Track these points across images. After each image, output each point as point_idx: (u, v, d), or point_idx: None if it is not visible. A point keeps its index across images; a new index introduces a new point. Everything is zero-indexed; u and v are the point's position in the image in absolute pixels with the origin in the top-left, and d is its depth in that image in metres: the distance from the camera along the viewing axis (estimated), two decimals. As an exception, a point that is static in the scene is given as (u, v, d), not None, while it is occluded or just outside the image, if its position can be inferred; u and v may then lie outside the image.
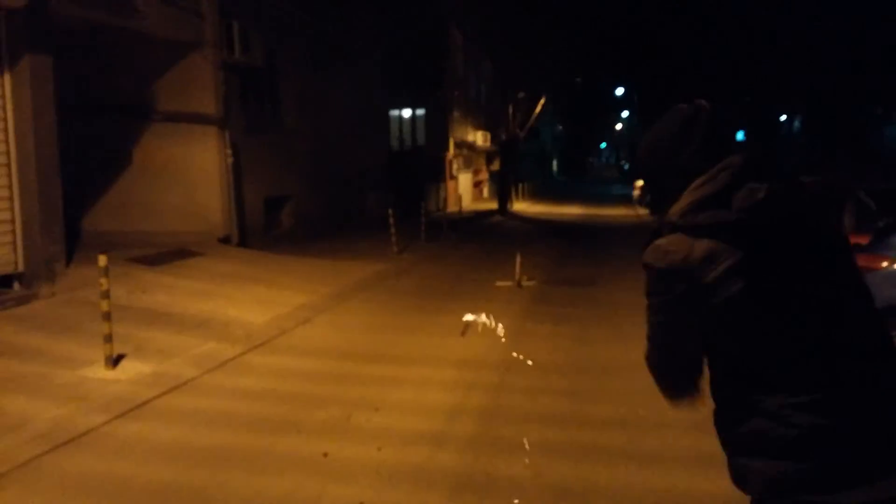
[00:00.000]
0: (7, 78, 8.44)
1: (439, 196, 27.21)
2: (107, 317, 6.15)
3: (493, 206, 28.47)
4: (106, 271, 6.26)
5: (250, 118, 13.78)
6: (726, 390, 1.68)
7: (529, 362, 6.28)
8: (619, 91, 63.35)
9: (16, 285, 8.49)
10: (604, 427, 5.09)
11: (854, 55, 34.94)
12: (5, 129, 8.47)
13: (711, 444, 4.30)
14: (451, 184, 28.68)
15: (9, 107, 8.49)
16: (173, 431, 4.98)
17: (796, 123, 48.39)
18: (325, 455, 4.54)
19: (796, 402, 1.53)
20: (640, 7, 35.39)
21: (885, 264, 5.64)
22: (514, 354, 6.54)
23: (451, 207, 27.05)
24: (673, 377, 1.79)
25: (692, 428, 4.95)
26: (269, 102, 14.81)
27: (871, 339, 1.60)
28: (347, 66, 17.82)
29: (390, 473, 4.29)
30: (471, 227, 21.28)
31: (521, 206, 30.73)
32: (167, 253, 10.80)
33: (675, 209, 1.68)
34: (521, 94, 27.94)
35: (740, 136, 52.98)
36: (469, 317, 7.58)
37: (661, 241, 1.70)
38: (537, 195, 38.45)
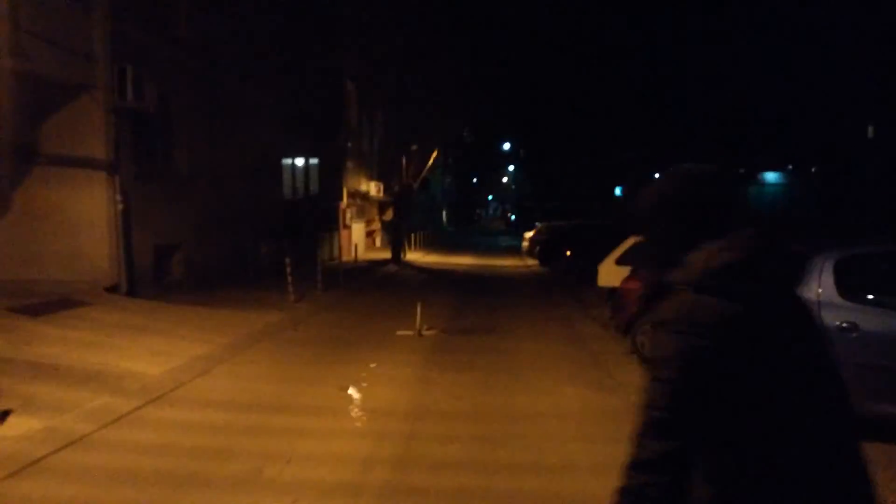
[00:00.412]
0: None
1: (333, 245, 27.04)
2: (-6, 370, 5.78)
3: (387, 255, 28.57)
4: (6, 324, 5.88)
5: (141, 164, 13.39)
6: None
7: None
8: (506, 146, 65.58)
9: None
10: (515, 472, 5.22)
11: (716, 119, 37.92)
12: None
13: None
14: (344, 233, 28.61)
15: None
16: (72, 489, 4.72)
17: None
18: (240, 509, 4.43)
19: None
20: (533, 65, 37.06)
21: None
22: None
23: (345, 257, 26.91)
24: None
25: (600, 470, 5.18)
26: (162, 149, 14.46)
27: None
28: (242, 115, 17.67)
29: (308, 525, 4.25)
30: (366, 276, 21.30)
31: (414, 256, 30.99)
32: (52, 302, 10.25)
33: (695, 269, 1.67)
34: (414, 147, 28.46)
35: (617, 191, 55.73)
36: (372, 365, 7.64)
37: (687, 298, 1.64)
38: (429, 245, 38.89)
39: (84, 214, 11.85)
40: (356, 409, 6.80)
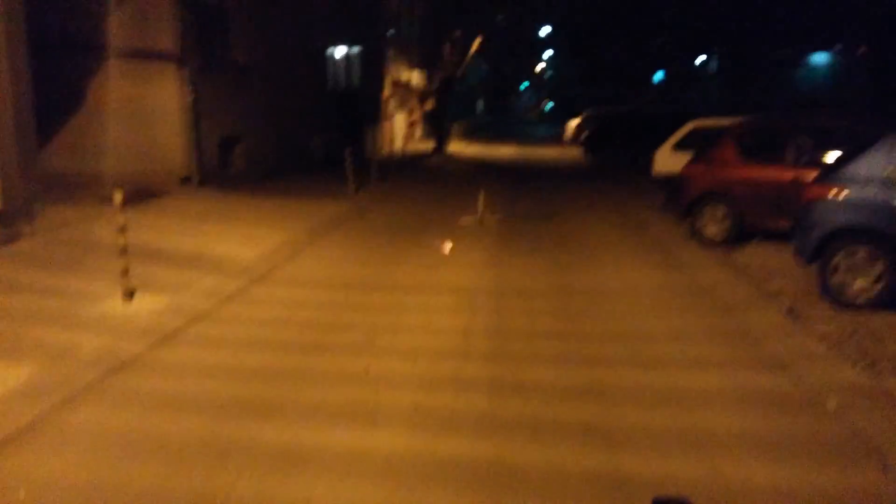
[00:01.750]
0: (-23, 15, 8.30)
1: (377, 136, 27.31)
2: (123, 252, 6.40)
3: (428, 146, 28.79)
4: (121, 209, 6.46)
5: (205, 57, 13.65)
6: None
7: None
8: (545, 31, 63.74)
9: (-5, 225, 8.51)
10: (601, 340, 5.76)
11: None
12: (-21, 67, 8.36)
13: (699, 351, 5.08)
14: (387, 124, 28.77)
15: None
16: (216, 355, 5.38)
17: (713, 65, 50.03)
18: (367, 369, 5.05)
19: None
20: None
21: (833, 193, 6.45)
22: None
23: (389, 148, 27.27)
24: None
25: (676, 337, 5.72)
26: (220, 41, 14.65)
27: None
28: (290, 5, 17.66)
29: (431, 381, 4.86)
30: (413, 167, 21.68)
31: (456, 147, 31.13)
32: (135, 193, 10.81)
33: None
34: (458, 33, 28.07)
35: (659, 75, 54.50)
36: (448, 245, 8.22)
37: None
38: (469, 135, 38.87)
39: (156, 107, 12.28)
40: (443, 288, 7.36)
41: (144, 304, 6.42)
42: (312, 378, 4.94)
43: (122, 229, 6.44)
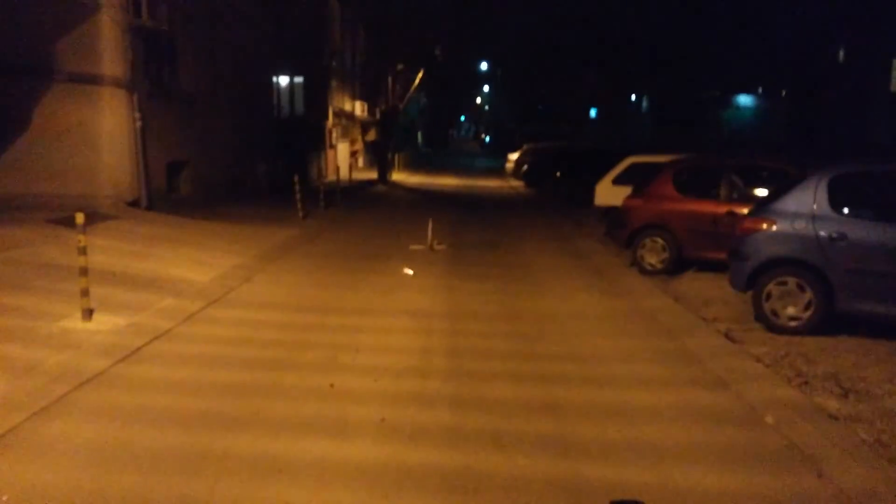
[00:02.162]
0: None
1: (321, 164, 27.46)
2: (84, 272, 6.42)
3: (372, 175, 29.04)
4: (83, 230, 6.50)
5: (153, 83, 13.66)
6: None
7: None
8: (483, 66, 65.13)
9: (-60, 246, 8.36)
10: (553, 360, 6.06)
11: (691, 41, 38.34)
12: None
13: (645, 370, 5.44)
14: (330, 153, 28.94)
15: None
16: (180, 372, 5.47)
17: (644, 103, 51.93)
18: (332, 386, 5.23)
19: None
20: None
21: (764, 226, 6.95)
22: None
23: (331, 176, 27.37)
24: None
25: (625, 359, 6.07)
26: (168, 67, 14.67)
27: None
28: (235, 35, 17.80)
29: (393, 398, 5.06)
30: (358, 195, 21.87)
31: (399, 177, 31.48)
32: (85, 215, 10.73)
33: None
34: (401, 66, 28.57)
35: (593, 112, 56.24)
36: (408, 271, 8.64)
37: None
38: (410, 166, 39.32)
39: (104, 131, 12.21)
40: (399, 311, 7.57)
41: (104, 323, 6.44)
42: (279, 393, 5.08)
43: (83, 250, 6.48)
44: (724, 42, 37.19)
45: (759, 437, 4.49)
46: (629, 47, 43.38)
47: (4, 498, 3.58)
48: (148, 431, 4.37)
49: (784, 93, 39.60)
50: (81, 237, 6.47)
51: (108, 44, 11.95)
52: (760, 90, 42.83)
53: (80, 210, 11.07)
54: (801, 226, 6.75)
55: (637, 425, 4.65)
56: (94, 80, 11.99)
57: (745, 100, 44.04)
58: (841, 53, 32.78)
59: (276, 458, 4.06)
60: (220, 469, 3.92)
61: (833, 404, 4.93)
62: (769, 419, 4.72)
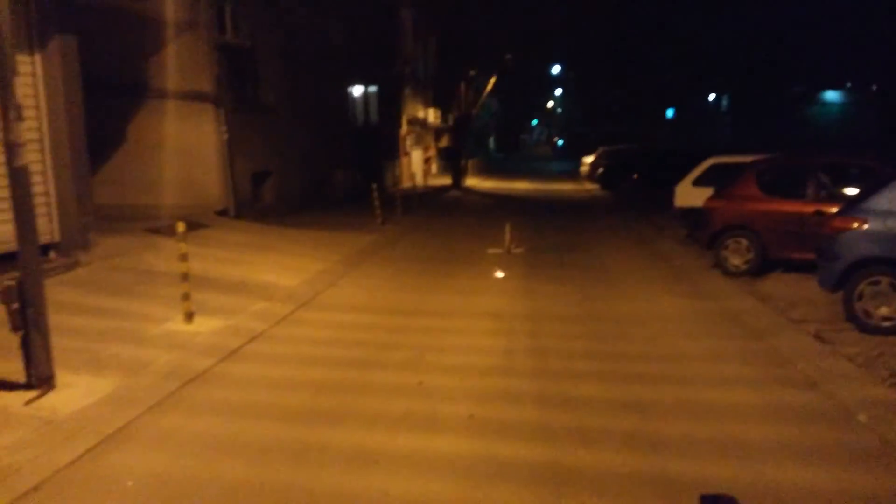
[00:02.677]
0: (38, 57, 8.84)
1: (395, 171, 27.93)
2: (185, 277, 6.82)
3: (445, 181, 29.36)
4: (184, 237, 6.88)
5: (237, 97, 14.25)
6: None
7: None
8: (555, 69, 64.84)
9: (52, 254, 8.95)
10: (637, 360, 6.10)
11: (774, 39, 37.24)
12: (37, 107, 8.85)
13: (732, 370, 5.40)
14: (404, 160, 29.40)
15: (40, 85, 8.88)
16: (278, 370, 5.76)
17: (724, 101, 50.74)
18: (420, 383, 5.42)
19: None
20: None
21: (855, 225, 6.81)
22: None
23: (406, 183, 27.84)
24: None
25: (708, 358, 6.06)
26: (252, 82, 15.27)
27: None
28: (312, 47, 18.37)
29: (480, 395, 5.21)
30: (434, 201, 22.15)
31: (472, 182, 31.68)
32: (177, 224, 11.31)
33: None
34: (473, 72, 28.80)
35: (669, 113, 55.23)
36: (499, 273, 8.83)
37: None
38: (483, 171, 39.49)
39: (194, 144, 12.84)
40: (480, 313, 7.72)
41: (204, 325, 6.82)
42: (370, 390, 5.30)
43: (184, 257, 6.88)
44: (810, 36, 36.04)
45: (852, 435, 4.44)
46: (706, 44, 42.48)
47: (129, 484, 3.89)
48: (253, 425, 4.65)
49: (875, 87, 38.10)
50: (183, 245, 6.86)
51: (197, 61, 12.56)
52: (849, 85, 41.35)
53: (173, 219, 11.73)
54: (893, 224, 6.59)
55: (725, 423, 4.66)
56: (184, 95, 12.62)
57: (832, 95, 42.56)
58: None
59: (372, 451, 4.26)
60: (321, 460, 4.15)
61: (930, 404, 4.83)
62: (862, 418, 4.67)
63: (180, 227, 6.94)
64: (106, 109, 12.68)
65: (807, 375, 5.56)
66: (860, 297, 6.73)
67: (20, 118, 4.62)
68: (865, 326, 6.68)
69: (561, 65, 62.55)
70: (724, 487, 3.81)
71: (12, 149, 4.58)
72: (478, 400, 5.10)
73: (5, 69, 4.52)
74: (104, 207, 12.31)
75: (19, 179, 4.62)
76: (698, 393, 5.24)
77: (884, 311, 6.60)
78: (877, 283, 6.65)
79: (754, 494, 3.74)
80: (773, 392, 5.24)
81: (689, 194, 12.54)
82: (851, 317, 6.82)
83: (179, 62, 12.59)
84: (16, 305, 4.85)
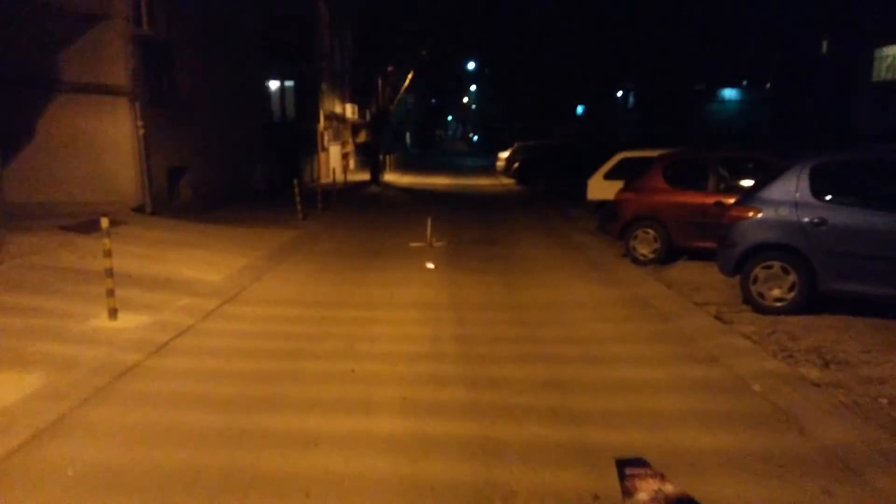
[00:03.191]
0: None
1: (314, 167, 27.83)
2: (109, 273, 6.77)
3: (364, 176, 29.44)
4: (108, 233, 6.84)
5: (152, 91, 13.99)
6: None
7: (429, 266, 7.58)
8: (470, 65, 65.53)
9: (-38, 253, 8.69)
10: (556, 343, 6.47)
11: (675, 37, 38.91)
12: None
13: (642, 350, 5.83)
14: (322, 155, 29.31)
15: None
16: (209, 363, 5.85)
17: (630, 98, 52.53)
18: (353, 371, 5.62)
19: None
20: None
21: (750, 214, 7.39)
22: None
23: (325, 178, 27.77)
24: None
25: (623, 340, 6.49)
26: (167, 75, 15.00)
27: None
28: (228, 41, 18.17)
29: (412, 379, 5.46)
30: (353, 196, 22.22)
31: (390, 177, 31.86)
32: (91, 221, 11.03)
33: None
34: (391, 68, 28.96)
35: (579, 109, 56.78)
36: (430, 265, 9.07)
37: None
38: (401, 167, 39.70)
39: (108, 139, 12.55)
40: (406, 304, 7.97)
41: (129, 321, 6.81)
42: (305, 379, 5.47)
43: (108, 252, 6.83)
44: (708, 36, 37.80)
45: (748, 403, 4.92)
46: (613, 44, 43.97)
47: (70, 473, 3.95)
48: (189, 415, 4.76)
49: (769, 85, 40.23)
50: (107, 240, 6.83)
51: (111, 53, 12.28)
52: (745, 83, 43.51)
53: (87, 217, 11.48)
54: (784, 213, 7.18)
55: (636, 396, 5.07)
56: (97, 89, 12.32)
57: (730, 93, 44.69)
58: (824, 45, 33.32)
59: (310, 434, 4.45)
60: (260, 444, 4.31)
61: (815, 374, 5.37)
62: (756, 387, 5.16)
63: (104, 222, 6.90)
64: (13, 104, 12.28)
65: (708, 352, 6.06)
66: (755, 280, 7.32)
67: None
68: (760, 307, 7.27)
69: (475, 61, 63.33)
70: (637, 452, 4.18)
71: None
72: (409, 384, 5.35)
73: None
74: (13, 205, 11.93)
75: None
76: (612, 371, 5.65)
77: (776, 292, 7.21)
78: (770, 267, 7.25)
79: (663, 457, 4.12)
80: (679, 367, 5.70)
81: (601, 187, 13.13)
82: (748, 299, 7.41)
83: (92, 54, 12.28)
84: (-60, 303, 4.79)
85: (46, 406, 4.77)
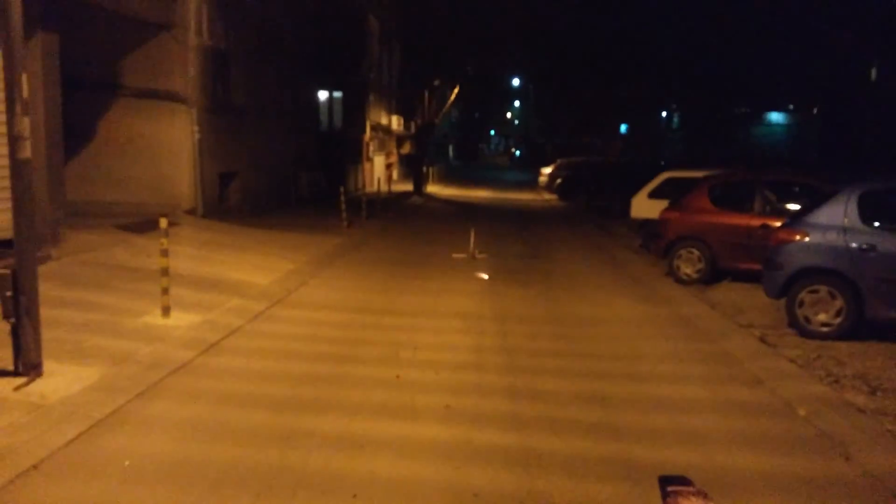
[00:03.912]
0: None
1: (358, 176, 28.17)
2: (164, 272, 7.00)
3: (407, 187, 29.68)
4: (166, 233, 7.07)
5: (208, 98, 14.36)
6: None
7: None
8: (515, 81, 65.79)
9: (23, 248, 9.01)
10: (598, 359, 6.51)
11: (722, 61, 38.60)
12: (15, 101, 8.92)
13: (685, 369, 5.85)
14: (367, 165, 29.64)
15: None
16: (258, 363, 6.01)
17: (675, 119, 52.16)
18: (398, 377, 5.73)
19: None
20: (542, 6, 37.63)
21: (798, 237, 7.35)
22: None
23: (369, 188, 28.06)
24: None
25: (664, 358, 6.50)
26: (223, 83, 15.39)
27: None
28: (281, 51, 18.57)
29: (456, 388, 5.54)
30: (396, 206, 22.43)
31: (432, 189, 32.05)
32: (148, 222, 11.37)
33: None
34: (437, 82, 29.23)
35: (623, 128, 56.53)
36: (483, 275, 9.13)
37: None
38: (443, 179, 39.89)
39: (165, 143, 12.93)
40: (449, 313, 8.06)
41: (181, 319, 7.02)
42: (351, 383, 5.59)
43: (165, 252, 7.05)
44: (755, 59, 37.43)
45: (793, 426, 4.90)
46: (659, 63, 43.77)
47: (126, 463, 4.11)
48: (239, 412, 4.91)
49: (816, 110, 39.65)
50: (164, 240, 7.05)
51: (172, 61, 12.68)
52: (791, 107, 42.95)
53: (142, 217, 11.82)
54: (832, 237, 7.13)
55: (680, 415, 5.08)
56: (158, 95, 12.72)
57: (776, 117, 44.14)
58: (873, 72, 32.78)
59: (357, 436, 4.56)
60: (309, 444, 4.43)
61: (861, 400, 5.32)
62: (802, 412, 5.13)
63: (163, 222, 7.15)
64: (77, 106, 12.68)
65: (753, 374, 6.03)
66: (801, 304, 7.26)
67: (26, 112, 4.81)
68: (805, 331, 7.21)
69: (520, 78, 63.58)
70: (680, 470, 4.20)
71: (17, 141, 4.78)
72: (453, 392, 5.43)
73: (15, 64, 4.72)
74: (72, 203, 12.32)
75: (22, 172, 4.81)
76: (656, 388, 5.66)
77: (822, 317, 7.14)
78: (816, 291, 7.19)
79: (706, 476, 4.13)
80: (723, 388, 5.69)
81: (644, 206, 13.10)
82: (793, 322, 7.35)
83: (155, 61, 12.69)
84: (9, 293, 5.02)
85: (103, 398, 4.96)
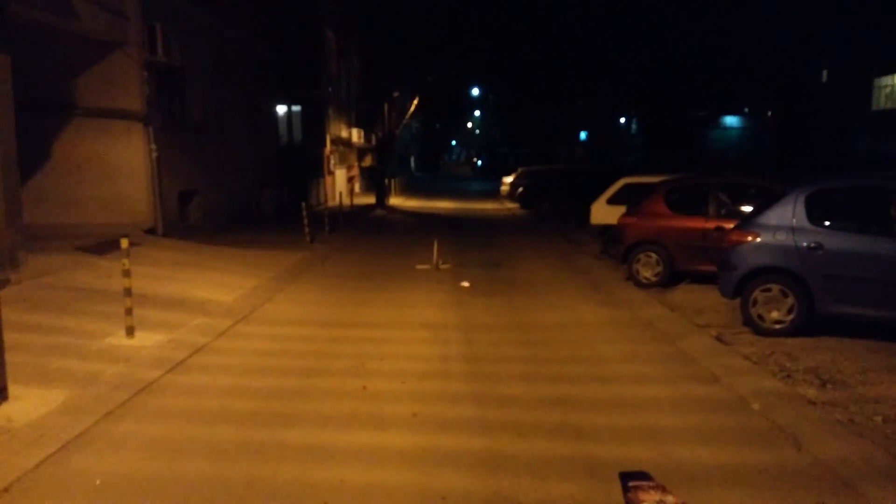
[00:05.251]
0: (-32, 76, 8.84)
1: (320, 190, 28.15)
2: (127, 293, 6.99)
3: (370, 200, 29.74)
4: (127, 253, 7.06)
5: (165, 115, 14.32)
6: None
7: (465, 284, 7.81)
8: (475, 91, 66.24)
9: (-21, 272, 8.90)
10: (561, 363, 6.65)
11: (677, 65, 39.48)
12: (-33, 125, 8.85)
13: (645, 369, 6.03)
14: (328, 179, 29.64)
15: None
16: (225, 380, 6.04)
17: (633, 125, 53.02)
18: (364, 388, 5.81)
19: None
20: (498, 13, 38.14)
21: (749, 238, 7.60)
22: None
23: (331, 202, 28.05)
24: None
25: (626, 360, 6.67)
26: (179, 101, 15.35)
27: None
28: (239, 68, 18.55)
29: (422, 397, 5.64)
30: (359, 219, 22.48)
31: (395, 201, 32.16)
32: (107, 242, 11.31)
33: None
34: (396, 94, 29.38)
35: (582, 135, 57.25)
36: (465, 283, 9.21)
37: None
38: (405, 190, 40.04)
39: (122, 163, 12.84)
40: (415, 323, 8.16)
41: (146, 339, 7.01)
42: (318, 395, 5.66)
43: (127, 272, 7.04)
44: (710, 64, 38.31)
45: (747, 420, 5.09)
46: (616, 71, 44.58)
47: (98, 482, 4.14)
48: (208, 429, 4.94)
49: (769, 113, 40.67)
50: (125, 260, 7.05)
51: (126, 79, 12.62)
52: (746, 110, 44.00)
53: (101, 238, 11.72)
54: (782, 237, 7.39)
55: (639, 414, 5.24)
56: (112, 113, 12.64)
57: (731, 120, 45.16)
58: (824, 74, 33.77)
59: (326, 447, 4.63)
60: (279, 456, 4.49)
61: (812, 392, 5.55)
62: (756, 406, 5.33)
63: (124, 242, 7.13)
64: (32, 127, 12.55)
65: (709, 372, 6.24)
66: (755, 303, 7.51)
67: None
68: (760, 329, 7.45)
69: (480, 87, 64.05)
70: (640, 466, 4.36)
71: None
72: (419, 400, 5.53)
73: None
74: (30, 226, 12.18)
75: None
76: (617, 389, 5.83)
77: (775, 315, 7.39)
78: (768, 290, 7.44)
79: (665, 470, 4.29)
80: (681, 386, 5.87)
81: (604, 212, 13.36)
82: (748, 321, 7.59)
83: (109, 80, 12.61)
84: (-29, 319, 5.00)
85: (71, 420, 4.96)
